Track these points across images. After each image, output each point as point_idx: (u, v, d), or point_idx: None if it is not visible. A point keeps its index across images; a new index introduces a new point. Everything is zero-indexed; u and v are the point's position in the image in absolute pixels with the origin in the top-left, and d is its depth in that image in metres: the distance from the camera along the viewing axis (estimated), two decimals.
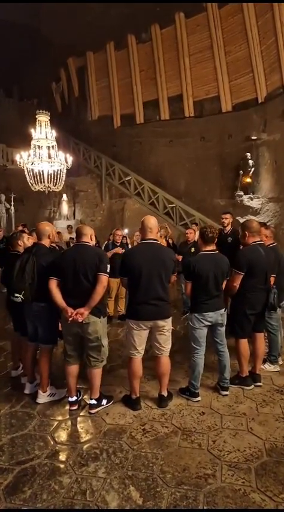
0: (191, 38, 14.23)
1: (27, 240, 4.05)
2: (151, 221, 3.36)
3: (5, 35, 16.30)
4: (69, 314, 3.14)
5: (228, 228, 5.47)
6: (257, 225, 3.90)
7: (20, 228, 9.06)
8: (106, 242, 6.85)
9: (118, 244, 6.27)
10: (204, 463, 2.64)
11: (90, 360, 3.32)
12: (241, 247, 4.07)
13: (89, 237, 3.38)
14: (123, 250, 5.84)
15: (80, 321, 3.15)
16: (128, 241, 8.33)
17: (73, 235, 10.57)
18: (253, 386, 3.79)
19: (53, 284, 3.26)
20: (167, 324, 3.38)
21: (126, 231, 8.56)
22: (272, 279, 3.91)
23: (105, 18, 14.42)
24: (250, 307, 3.73)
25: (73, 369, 3.41)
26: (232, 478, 2.48)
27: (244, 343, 3.80)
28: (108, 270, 3.26)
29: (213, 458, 2.69)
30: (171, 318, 3.44)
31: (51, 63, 18.14)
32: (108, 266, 3.27)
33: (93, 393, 3.37)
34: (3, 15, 14.73)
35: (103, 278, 3.22)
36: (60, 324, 3.76)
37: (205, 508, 2.22)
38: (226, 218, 5.52)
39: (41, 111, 9.54)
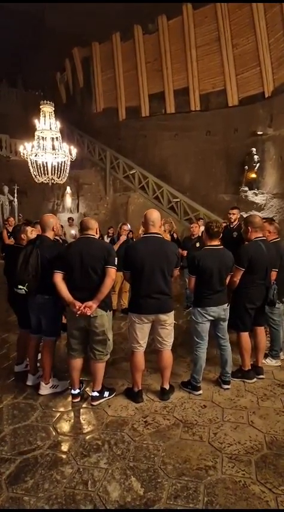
0: (198, 30, 14.07)
1: (30, 234, 4.04)
2: (154, 215, 3.34)
3: (9, 23, 16.17)
4: (77, 308, 3.11)
5: (235, 223, 5.45)
6: (260, 220, 3.88)
7: (12, 219, 9.05)
8: (110, 236, 6.82)
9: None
10: (204, 455, 2.66)
11: (95, 353, 3.31)
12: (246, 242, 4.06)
13: (95, 231, 3.36)
14: (125, 237, 6.05)
15: (89, 314, 3.13)
16: (133, 235, 8.31)
17: (75, 230, 10.50)
18: (255, 379, 3.81)
19: (58, 277, 3.21)
20: (169, 318, 3.38)
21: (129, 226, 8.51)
22: (274, 274, 3.90)
23: (111, 8, 14.26)
24: (250, 302, 3.75)
25: (78, 363, 3.40)
26: (232, 470, 2.51)
27: (245, 336, 3.81)
28: (116, 263, 3.25)
29: (214, 451, 2.71)
30: (173, 312, 3.44)
31: (56, 53, 17.99)
32: (116, 259, 3.26)
33: (95, 385, 3.39)
34: (7, 3, 14.59)
35: (112, 271, 3.20)
36: (63, 317, 3.77)
37: (205, 499, 2.25)
38: (233, 214, 5.47)
39: (45, 101, 9.48)
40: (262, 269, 3.69)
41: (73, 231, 10.61)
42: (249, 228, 3.79)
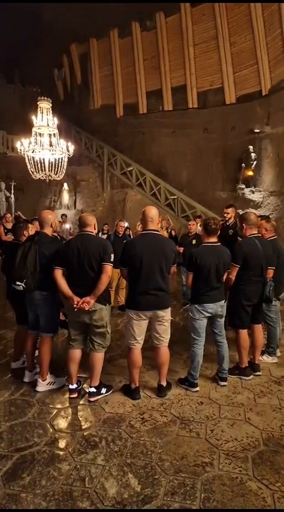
0: (196, 28, 14.04)
1: (31, 231, 4.03)
2: (152, 211, 3.35)
3: (7, 19, 16.03)
4: (76, 303, 3.16)
5: (231, 220, 5.46)
6: (255, 217, 3.89)
7: (9, 216, 8.91)
8: (106, 233, 6.80)
9: (120, 236, 6.27)
10: (201, 451, 2.67)
11: (94, 343, 3.35)
12: (240, 239, 4.07)
13: (93, 227, 3.38)
14: None
15: (87, 309, 3.18)
16: (130, 232, 8.32)
17: (68, 226, 10.50)
18: (252, 376, 3.82)
19: (58, 273, 3.26)
20: (166, 315, 3.39)
21: (126, 223, 8.49)
22: (271, 272, 3.91)
23: (109, 5, 14.17)
24: (246, 299, 3.76)
25: (76, 354, 3.42)
26: (229, 466, 2.51)
27: (244, 334, 3.82)
28: (112, 260, 3.27)
29: (211, 447, 2.71)
30: (170, 309, 3.44)
31: (54, 49, 17.89)
32: (112, 256, 3.28)
33: (93, 380, 3.38)
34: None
35: (108, 268, 3.23)
36: (61, 313, 3.76)
37: (202, 495, 2.25)
38: (227, 213, 5.50)
39: (42, 97, 9.44)
40: (257, 266, 3.70)
41: (68, 225, 10.62)
42: (244, 225, 3.81)
